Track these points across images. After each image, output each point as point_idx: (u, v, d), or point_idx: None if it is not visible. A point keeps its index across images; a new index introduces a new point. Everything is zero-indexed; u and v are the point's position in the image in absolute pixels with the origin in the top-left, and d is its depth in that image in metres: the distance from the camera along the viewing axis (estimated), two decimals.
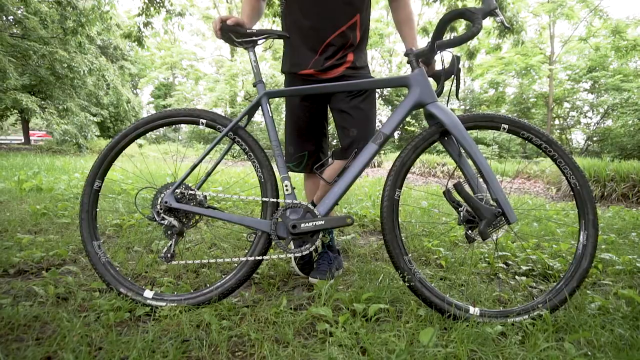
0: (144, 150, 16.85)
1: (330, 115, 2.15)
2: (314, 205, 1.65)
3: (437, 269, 2.23)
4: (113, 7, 7.36)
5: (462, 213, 1.56)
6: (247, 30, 1.70)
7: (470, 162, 1.56)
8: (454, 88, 1.65)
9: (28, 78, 13.25)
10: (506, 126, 1.58)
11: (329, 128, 2.25)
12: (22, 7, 12.67)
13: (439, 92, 1.66)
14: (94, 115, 15.04)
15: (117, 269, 1.69)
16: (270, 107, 1.74)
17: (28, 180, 5.03)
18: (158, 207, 1.63)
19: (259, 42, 1.75)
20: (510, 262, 2.36)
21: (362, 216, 3.61)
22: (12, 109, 12.46)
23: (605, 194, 5.83)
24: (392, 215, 1.57)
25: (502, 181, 9.18)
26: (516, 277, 2.11)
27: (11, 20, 13.08)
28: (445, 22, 1.51)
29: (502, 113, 13.13)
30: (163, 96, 31.03)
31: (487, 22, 9.22)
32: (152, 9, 6.90)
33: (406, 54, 1.69)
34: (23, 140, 22.63)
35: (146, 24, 7.00)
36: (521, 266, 2.25)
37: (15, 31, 13.29)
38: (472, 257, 2.40)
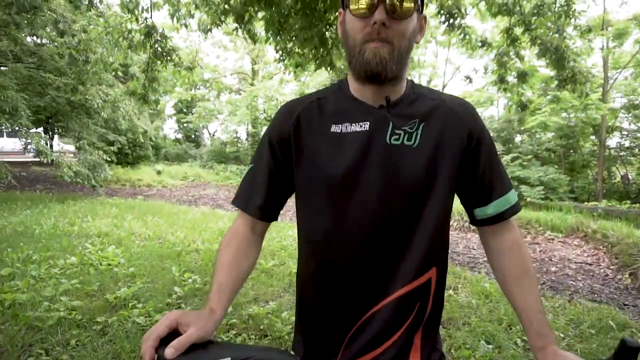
0: (163, 177, 16.31)
1: None
2: None
3: None
4: (118, 59, 6.68)
5: None
6: None
7: None
8: None
9: (44, 108, 12.81)
10: None
11: None
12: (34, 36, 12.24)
13: None
14: (112, 144, 14.54)
15: None
16: None
17: (9, 290, 4.30)
18: None
19: None
20: None
21: None
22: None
23: None
24: None
25: (553, 239, 8.01)
26: None
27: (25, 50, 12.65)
28: None
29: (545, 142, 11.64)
30: (185, 109, 30.61)
31: (543, 66, 8.10)
32: (159, 62, 6.16)
33: None
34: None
35: (152, 80, 6.26)
36: None
37: (28, 60, 12.85)
38: None
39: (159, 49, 5.96)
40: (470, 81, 7.07)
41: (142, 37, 5.89)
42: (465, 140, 1.09)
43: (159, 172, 16.32)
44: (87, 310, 3.96)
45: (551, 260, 6.57)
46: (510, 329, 3.93)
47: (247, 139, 23.09)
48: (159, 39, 5.88)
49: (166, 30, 6.16)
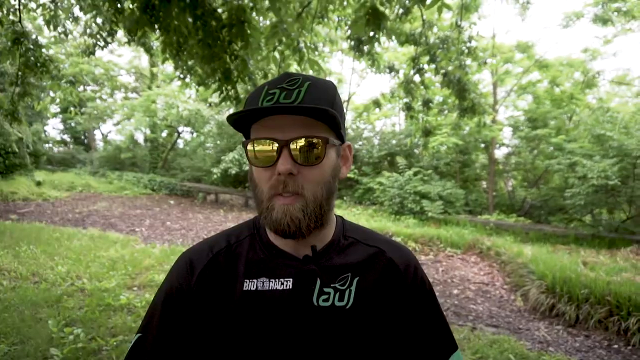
0: (44, 188, 14.30)
1: None
2: None
3: None
4: None
5: None
6: None
7: None
8: None
9: None
10: None
11: None
12: None
13: None
14: None
15: None
16: None
17: None
18: None
19: None
20: None
21: None
22: None
23: (580, 317, 5.22)
24: None
25: (453, 256, 8.42)
26: None
27: None
28: None
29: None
30: (73, 107, 27.46)
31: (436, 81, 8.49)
32: (32, 74, 5.25)
33: None
34: None
35: (22, 95, 5.31)
36: None
37: None
38: None
39: (32, 58, 5.06)
40: (379, 106, 7.17)
41: (9, 43, 4.96)
42: (404, 297, 0.93)
43: (38, 184, 14.29)
44: None
45: (452, 281, 6.85)
46: None
47: (145, 144, 21.36)
48: (32, 47, 4.98)
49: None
